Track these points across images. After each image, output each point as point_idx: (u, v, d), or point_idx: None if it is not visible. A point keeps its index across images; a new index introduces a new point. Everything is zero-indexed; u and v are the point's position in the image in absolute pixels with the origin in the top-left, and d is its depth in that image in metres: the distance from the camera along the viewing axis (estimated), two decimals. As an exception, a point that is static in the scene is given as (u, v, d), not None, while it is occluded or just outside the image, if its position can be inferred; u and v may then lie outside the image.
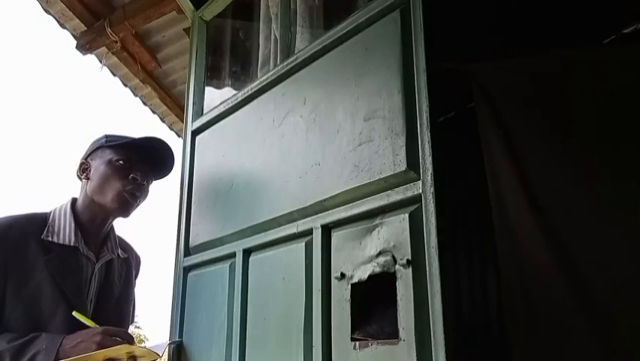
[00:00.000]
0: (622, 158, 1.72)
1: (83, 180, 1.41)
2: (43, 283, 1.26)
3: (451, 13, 1.87)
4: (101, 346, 1.17)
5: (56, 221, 1.36)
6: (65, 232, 1.34)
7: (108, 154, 1.39)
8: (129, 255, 1.54)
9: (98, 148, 1.41)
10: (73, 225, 1.35)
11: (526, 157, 1.84)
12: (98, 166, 1.39)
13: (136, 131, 1.48)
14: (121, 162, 1.37)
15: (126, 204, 1.38)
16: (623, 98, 1.75)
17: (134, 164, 1.39)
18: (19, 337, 1.19)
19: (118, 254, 1.46)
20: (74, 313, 1.25)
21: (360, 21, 1.21)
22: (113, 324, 1.39)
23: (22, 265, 1.26)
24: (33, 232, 1.31)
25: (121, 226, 1.56)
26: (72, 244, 1.33)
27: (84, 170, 1.42)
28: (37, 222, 1.34)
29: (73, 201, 1.42)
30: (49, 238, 1.32)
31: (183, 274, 1.58)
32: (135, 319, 1.66)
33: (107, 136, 1.43)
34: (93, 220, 1.39)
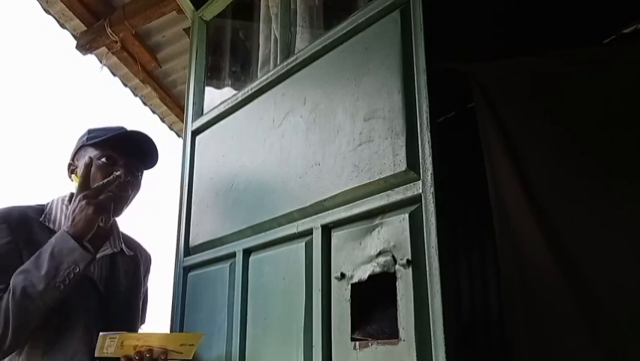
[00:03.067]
0: (622, 158, 1.72)
1: (74, 182, 1.42)
2: None
3: (451, 13, 1.87)
4: (96, 209, 1.20)
5: (53, 210, 1.37)
6: (62, 221, 1.35)
7: (90, 153, 1.38)
8: (137, 253, 1.53)
9: (81, 147, 1.41)
10: (69, 215, 1.36)
11: (526, 157, 1.84)
12: (82, 166, 1.37)
13: (129, 125, 1.47)
14: (103, 159, 1.36)
15: (114, 204, 1.38)
16: (623, 98, 1.75)
17: (116, 160, 1.38)
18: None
19: (121, 249, 1.46)
20: (73, 176, 1.33)
21: (360, 21, 1.21)
22: (122, 321, 1.39)
23: (32, 243, 1.27)
24: (32, 215, 1.33)
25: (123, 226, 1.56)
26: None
27: (72, 171, 1.42)
28: (35, 209, 1.36)
29: (72, 195, 1.42)
30: (47, 224, 1.33)
31: (183, 274, 1.58)
32: (146, 319, 1.64)
33: (89, 132, 1.42)
34: None
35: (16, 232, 1.27)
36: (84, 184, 1.26)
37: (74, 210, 1.22)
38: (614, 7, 2.09)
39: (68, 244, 1.18)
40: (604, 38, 2.26)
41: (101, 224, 1.25)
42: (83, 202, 1.21)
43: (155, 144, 1.45)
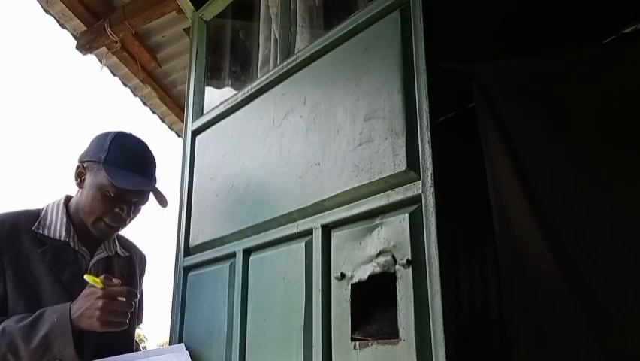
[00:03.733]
0: (622, 158, 1.72)
1: (77, 187, 1.40)
2: (41, 276, 1.26)
3: (451, 14, 1.87)
4: (105, 322, 1.16)
5: (48, 215, 1.36)
6: (57, 227, 1.34)
7: (102, 177, 1.32)
8: (132, 254, 1.52)
9: (96, 161, 1.34)
10: (65, 220, 1.35)
11: (526, 157, 1.84)
12: (90, 183, 1.34)
13: (141, 133, 1.44)
14: (110, 193, 1.32)
15: (104, 233, 1.37)
16: (623, 98, 1.75)
17: (122, 196, 1.34)
18: (26, 317, 1.19)
19: (116, 252, 1.45)
20: (86, 276, 1.24)
21: (360, 21, 1.21)
22: None
23: (19, 259, 1.27)
24: (24, 225, 1.31)
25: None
26: (62, 238, 1.33)
27: (79, 175, 1.38)
28: (29, 217, 1.34)
29: (67, 198, 1.41)
30: (40, 231, 1.32)
31: (183, 274, 1.58)
32: (143, 319, 1.63)
33: (111, 142, 1.36)
34: (85, 225, 1.38)
35: (3, 249, 1.25)
36: (110, 283, 1.20)
37: (89, 299, 1.18)
38: (614, 7, 2.09)
39: (65, 335, 1.15)
40: (604, 38, 2.26)
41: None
42: (100, 303, 1.16)
43: (165, 196, 1.41)
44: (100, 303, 1.16)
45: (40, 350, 1.15)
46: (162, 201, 1.41)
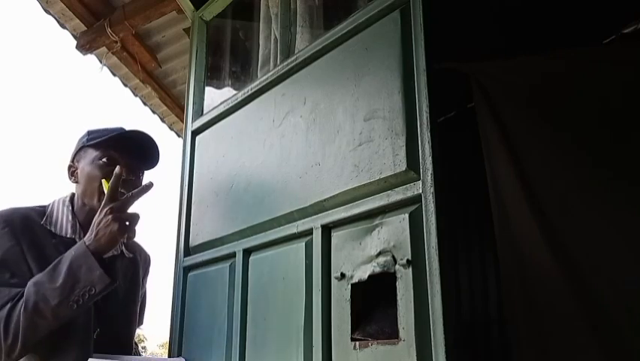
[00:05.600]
0: (622, 158, 1.72)
1: (74, 184, 1.41)
2: None
3: (451, 13, 1.87)
4: (121, 226, 1.18)
5: (54, 212, 1.36)
6: (63, 224, 1.34)
7: (91, 154, 1.38)
8: (136, 254, 1.53)
9: (81, 148, 1.41)
10: (70, 217, 1.36)
11: (526, 157, 1.84)
12: (83, 168, 1.38)
13: (128, 125, 1.47)
14: (104, 160, 1.36)
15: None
16: (623, 98, 1.75)
17: (117, 160, 1.37)
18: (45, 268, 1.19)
19: (122, 252, 1.46)
20: (103, 181, 1.28)
21: (360, 21, 1.21)
22: (118, 324, 1.39)
23: (36, 245, 1.27)
24: (34, 218, 1.32)
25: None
26: (69, 235, 1.33)
27: (72, 173, 1.41)
28: (37, 211, 1.35)
29: (73, 195, 1.42)
30: (48, 227, 1.32)
31: (183, 274, 1.58)
32: (144, 320, 1.63)
33: (89, 133, 1.42)
34: (90, 222, 1.39)
35: (19, 236, 1.26)
36: (112, 196, 1.22)
37: (99, 223, 1.19)
38: (614, 7, 2.09)
39: (88, 260, 1.15)
40: (604, 38, 2.26)
41: (123, 241, 1.23)
42: (109, 217, 1.18)
43: (156, 143, 1.45)
44: (110, 215, 1.18)
45: (68, 285, 1.14)
46: (153, 153, 1.45)
